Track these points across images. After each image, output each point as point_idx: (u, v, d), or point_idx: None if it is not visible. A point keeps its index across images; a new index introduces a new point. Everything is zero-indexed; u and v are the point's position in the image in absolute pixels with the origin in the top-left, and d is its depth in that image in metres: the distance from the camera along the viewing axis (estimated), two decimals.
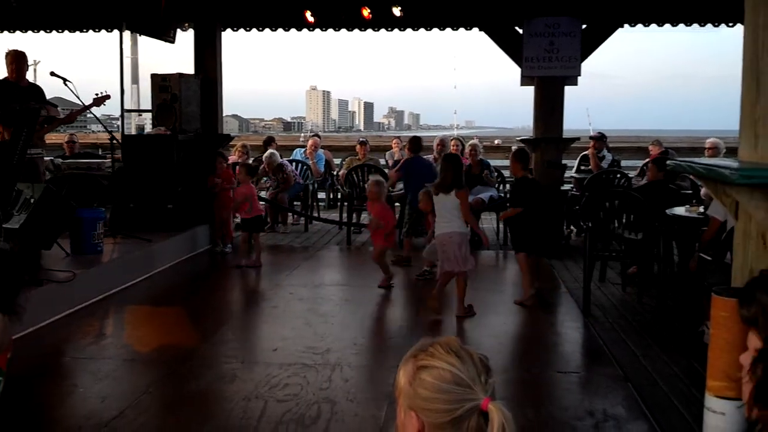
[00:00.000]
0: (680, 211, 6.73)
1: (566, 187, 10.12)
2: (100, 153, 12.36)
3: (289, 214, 11.51)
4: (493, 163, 12.03)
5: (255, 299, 7.21)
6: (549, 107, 9.24)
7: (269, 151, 11.43)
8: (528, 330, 6.45)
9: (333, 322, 6.35)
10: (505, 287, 7.96)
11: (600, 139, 10.88)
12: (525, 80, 9.31)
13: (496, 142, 15.84)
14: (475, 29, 9.71)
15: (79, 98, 7.96)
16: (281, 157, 11.52)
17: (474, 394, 1.49)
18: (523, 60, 9.11)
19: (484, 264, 8.73)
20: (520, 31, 9.19)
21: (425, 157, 9.70)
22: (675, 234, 6.90)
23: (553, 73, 9.05)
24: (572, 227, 10.26)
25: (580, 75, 9.14)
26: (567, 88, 9.27)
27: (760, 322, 1.18)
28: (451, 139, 12.05)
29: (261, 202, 11.10)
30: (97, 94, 8.10)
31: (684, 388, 4.65)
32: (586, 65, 9.29)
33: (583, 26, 9.10)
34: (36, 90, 7.86)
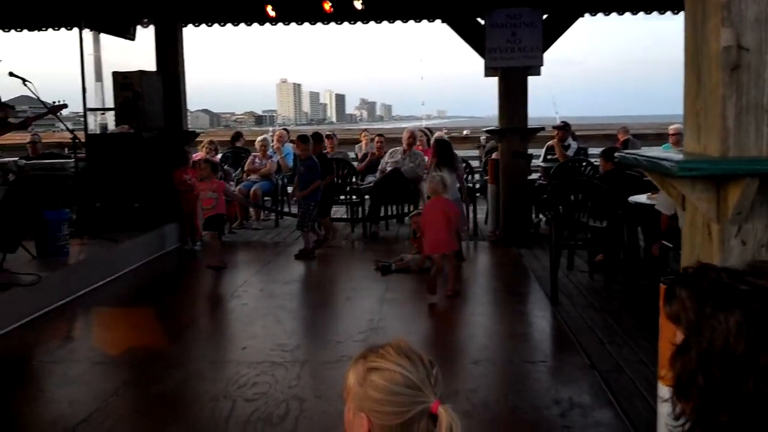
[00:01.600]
0: (642, 198, 6.79)
1: (534, 176, 10.18)
2: (66, 152, 12.18)
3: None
4: (462, 153, 12.12)
5: (225, 297, 7.19)
6: (513, 98, 9.27)
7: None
8: (497, 320, 6.51)
9: (303, 319, 6.36)
10: (475, 278, 8.02)
11: (563, 128, 10.96)
12: (489, 71, 9.31)
13: (464, 132, 15.87)
14: (438, 21, 9.69)
15: (39, 99, 7.86)
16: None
17: (424, 397, 1.49)
18: (485, 51, 9.13)
19: None
20: (482, 22, 9.20)
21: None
22: (640, 221, 6.97)
23: (515, 63, 9.07)
24: (541, 216, 10.36)
25: (542, 65, 9.15)
26: (533, 77, 9.31)
27: (681, 318, 1.21)
28: (419, 130, 12.10)
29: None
30: (54, 102, 8.03)
31: (649, 374, 4.68)
32: (553, 52, 9.36)
33: (544, 16, 9.13)
34: None
